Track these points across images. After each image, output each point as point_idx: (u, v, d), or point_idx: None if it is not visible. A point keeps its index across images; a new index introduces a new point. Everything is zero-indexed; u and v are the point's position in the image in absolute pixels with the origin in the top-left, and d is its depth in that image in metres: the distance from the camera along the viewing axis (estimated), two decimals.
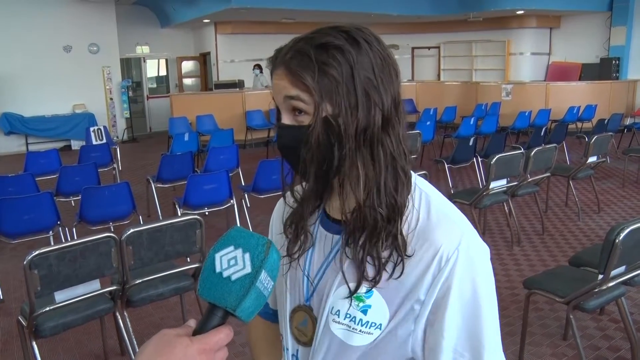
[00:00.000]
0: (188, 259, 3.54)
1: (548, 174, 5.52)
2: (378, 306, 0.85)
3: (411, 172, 0.87)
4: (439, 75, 15.73)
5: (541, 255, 4.72)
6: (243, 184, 6.23)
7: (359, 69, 0.80)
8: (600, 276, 2.59)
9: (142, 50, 14.22)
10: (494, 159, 4.57)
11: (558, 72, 13.64)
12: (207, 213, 5.20)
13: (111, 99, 12.57)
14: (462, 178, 7.73)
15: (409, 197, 0.86)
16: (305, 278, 0.94)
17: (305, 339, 0.95)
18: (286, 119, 0.84)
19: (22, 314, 2.72)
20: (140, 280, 2.91)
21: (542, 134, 7.90)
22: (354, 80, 0.79)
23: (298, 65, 0.80)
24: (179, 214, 4.66)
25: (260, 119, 10.83)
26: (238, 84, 12.46)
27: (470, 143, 6.71)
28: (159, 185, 5.99)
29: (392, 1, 11.95)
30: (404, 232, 0.84)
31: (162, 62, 15.15)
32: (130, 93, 13.37)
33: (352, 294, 0.85)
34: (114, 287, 2.84)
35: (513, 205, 5.20)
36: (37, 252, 2.46)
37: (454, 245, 0.82)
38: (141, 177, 7.58)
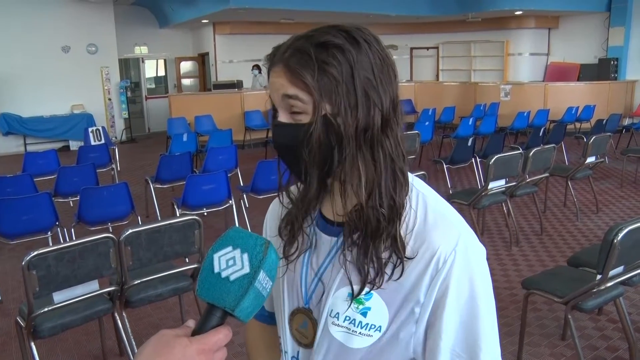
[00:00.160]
0: (187, 259, 3.53)
1: (546, 175, 5.52)
2: (377, 308, 0.85)
3: (409, 173, 0.87)
4: (437, 76, 15.74)
5: (540, 255, 4.72)
6: (242, 184, 6.23)
7: (358, 69, 0.79)
8: (599, 276, 2.59)
9: (141, 50, 14.21)
10: (493, 160, 4.57)
11: (557, 73, 13.65)
12: (205, 213, 5.19)
13: (109, 99, 12.57)
14: (461, 178, 7.73)
15: (407, 198, 0.85)
16: (303, 280, 0.93)
17: (307, 341, 0.94)
18: (283, 117, 0.84)
19: (20, 315, 2.72)
20: (139, 281, 2.90)
21: (540, 134, 7.91)
22: (354, 80, 0.79)
23: (297, 63, 0.80)
24: (178, 215, 4.66)
25: (259, 120, 10.83)
26: (237, 85, 12.46)
27: (469, 143, 6.71)
28: (157, 186, 5.98)
29: (391, 1, 11.96)
30: (402, 234, 0.83)
31: (161, 62, 15.14)
32: (129, 93, 13.35)
33: (356, 296, 0.85)
34: (113, 288, 2.84)
35: (512, 206, 5.20)
36: (35, 253, 2.46)
37: (451, 246, 0.82)
38: (140, 178, 7.58)
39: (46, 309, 2.56)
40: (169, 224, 2.95)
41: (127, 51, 13.67)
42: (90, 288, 2.71)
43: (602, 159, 6.27)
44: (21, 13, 11.10)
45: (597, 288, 2.61)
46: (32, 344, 2.64)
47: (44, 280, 2.50)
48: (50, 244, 3.94)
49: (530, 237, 5.19)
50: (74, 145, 11.06)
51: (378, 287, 0.83)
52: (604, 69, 12.32)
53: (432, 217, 0.85)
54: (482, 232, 5.24)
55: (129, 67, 14.97)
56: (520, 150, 5.07)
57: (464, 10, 12.49)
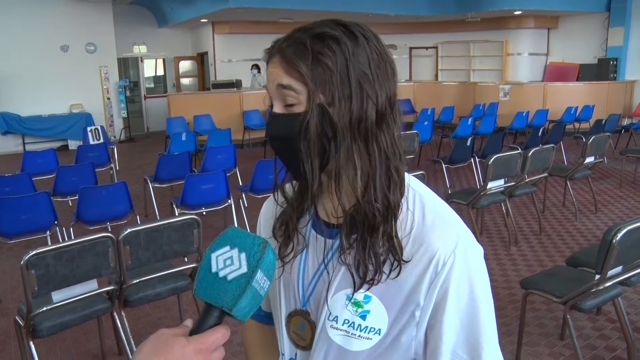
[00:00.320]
0: (185, 258, 3.53)
1: (545, 174, 5.52)
2: (377, 311, 0.85)
3: (405, 173, 0.86)
4: (436, 76, 15.73)
5: (538, 255, 4.72)
6: (240, 183, 6.23)
7: (354, 61, 0.79)
8: (597, 276, 2.59)
9: (140, 50, 14.20)
10: (492, 159, 4.57)
11: (556, 73, 13.65)
12: (204, 213, 5.19)
13: (108, 98, 12.55)
14: (460, 178, 7.73)
15: (403, 199, 0.85)
16: (300, 282, 0.93)
17: (304, 343, 0.94)
18: (278, 108, 0.83)
19: (19, 314, 2.71)
20: (138, 280, 2.90)
21: (539, 134, 7.91)
22: (349, 72, 0.79)
23: (293, 53, 0.80)
24: (177, 214, 4.66)
25: (258, 119, 10.82)
26: (235, 84, 12.44)
27: (468, 143, 6.71)
28: (156, 185, 5.98)
29: (390, 1, 11.95)
30: (400, 236, 0.83)
31: (160, 61, 15.13)
32: (128, 93, 13.34)
33: (356, 290, 0.84)
34: (112, 287, 2.83)
35: (510, 206, 5.20)
36: (34, 252, 2.45)
37: (450, 248, 0.81)
38: (138, 177, 7.58)
39: (45, 308, 2.56)
40: (168, 223, 2.95)
41: (126, 50, 13.66)
42: (89, 287, 2.71)
43: (601, 159, 6.27)
44: (20, 12, 11.09)
45: (596, 288, 2.62)
46: (31, 343, 2.64)
47: (42, 280, 2.49)
48: (49, 244, 3.92)
49: (529, 237, 5.20)
50: (73, 144, 11.04)
51: (377, 283, 0.83)
52: (603, 69, 12.33)
53: (429, 218, 0.85)
54: (480, 232, 5.24)
55: (128, 66, 14.96)
56: (519, 150, 5.07)
57: (463, 10, 12.49)
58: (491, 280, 0.86)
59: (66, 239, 4.28)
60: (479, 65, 14.91)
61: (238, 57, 13.81)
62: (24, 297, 2.51)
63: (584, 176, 6.03)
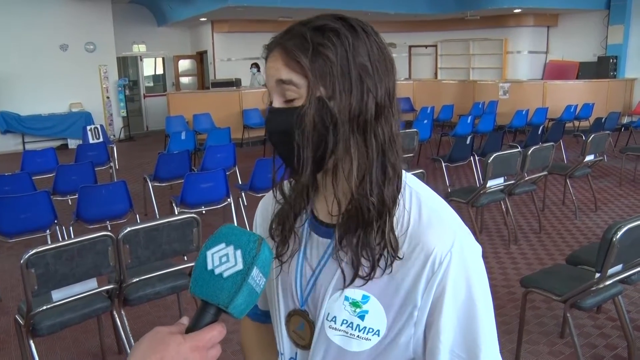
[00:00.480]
0: (185, 257, 3.53)
1: (545, 173, 5.52)
2: (375, 312, 0.85)
3: (403, 171, 0.85)
4: (436, 74, 15.72)
5: (538, 253, 4.72)
6: (240, 182, 6.23)
7: (354, 54, 0.78)
8: (597, 274, 2.59)
9: (139, 48, 14.19)
10: (491, 158, 4.57)
11: (555, 71, 13.65)
12: (204, 212, 5.19)
13: (108, 97, 12.55)
14: (459, 177, 7.73)
15: (400, 196, 0.84)
16: (298, 282, 0.92)
17: (304, 343, 0.93)
18: (277, 103, 0.82)
19: (19, 313, 2.72)
20: (137, 279, 2.90)
21: (539, 132, 7.89)
22: (349, 64, 0.78)
23: (294, 45, 0.79)
24: (176, 213, 4.66)
25: (257, 118, 10.82)
26: (235, 83, 12.44)
27: (468, 141, 6.71)
28: (156, 184, 5.98)
29: None
30: (397, 235, 0.82)
31: (159, 60, 15.12)
32: (127, 92, 13.33)
33: (348, 284, 0.84)
34: (111, 286, 2.84)
35: (510, 204, 5.20)
36: (34, 251, 2.46)
37: (446, 247, 0.81)
38: (138, 176, 7.58)
39: (45, 307, 2.56)
40: (167, 222, 2.95)
41: (125, 49, 13.65)
42: (89, 286, 2.71)
43: (600, 157, 6.28)
44: (19, 12, 11.09)
45: (596, 286, 2.62)
46: (31, 342, 2.64)
47: (42, 279, 2.50)
48: (49, 242, 3.93)
49: (528, 236, 5.19)
50: (73, 143, 11.05)
51: (372, 277, 0.82)
52: (603, 67, 12.32)
53: (426, 216, 0.84)
54: (480, 230, 5.24)
55: (127, 65, 14.96)
56: (519, 149, 5.07)
57: (463, 8, 12.49)
58: (491, 279, 0.86)
59: (66, 238, 4.29)
60: (479, 64, 14.90)
61: (237, 55, 13.80)
62: (24, 296, 2.51)
63: (583, 174, 6.03)
